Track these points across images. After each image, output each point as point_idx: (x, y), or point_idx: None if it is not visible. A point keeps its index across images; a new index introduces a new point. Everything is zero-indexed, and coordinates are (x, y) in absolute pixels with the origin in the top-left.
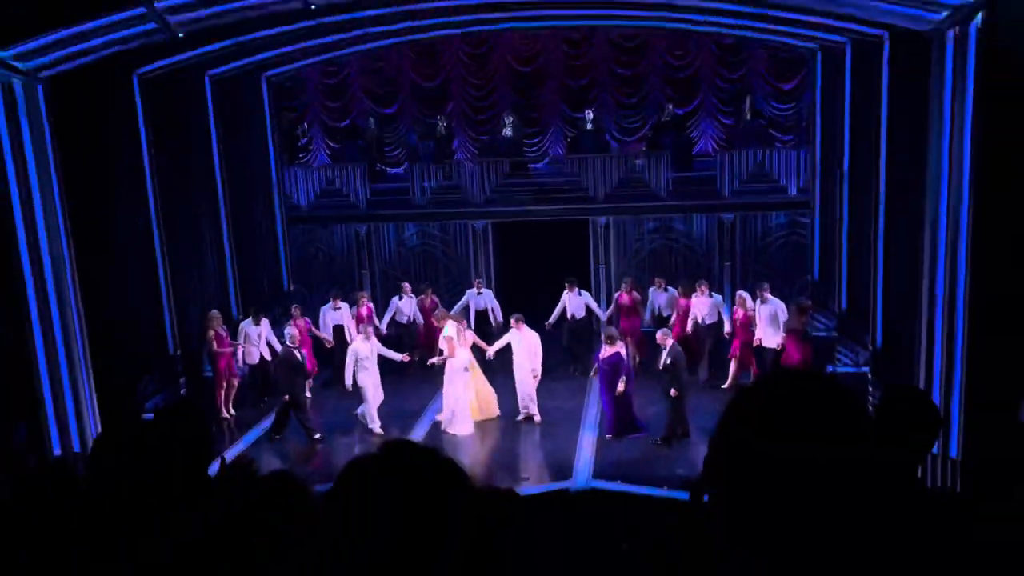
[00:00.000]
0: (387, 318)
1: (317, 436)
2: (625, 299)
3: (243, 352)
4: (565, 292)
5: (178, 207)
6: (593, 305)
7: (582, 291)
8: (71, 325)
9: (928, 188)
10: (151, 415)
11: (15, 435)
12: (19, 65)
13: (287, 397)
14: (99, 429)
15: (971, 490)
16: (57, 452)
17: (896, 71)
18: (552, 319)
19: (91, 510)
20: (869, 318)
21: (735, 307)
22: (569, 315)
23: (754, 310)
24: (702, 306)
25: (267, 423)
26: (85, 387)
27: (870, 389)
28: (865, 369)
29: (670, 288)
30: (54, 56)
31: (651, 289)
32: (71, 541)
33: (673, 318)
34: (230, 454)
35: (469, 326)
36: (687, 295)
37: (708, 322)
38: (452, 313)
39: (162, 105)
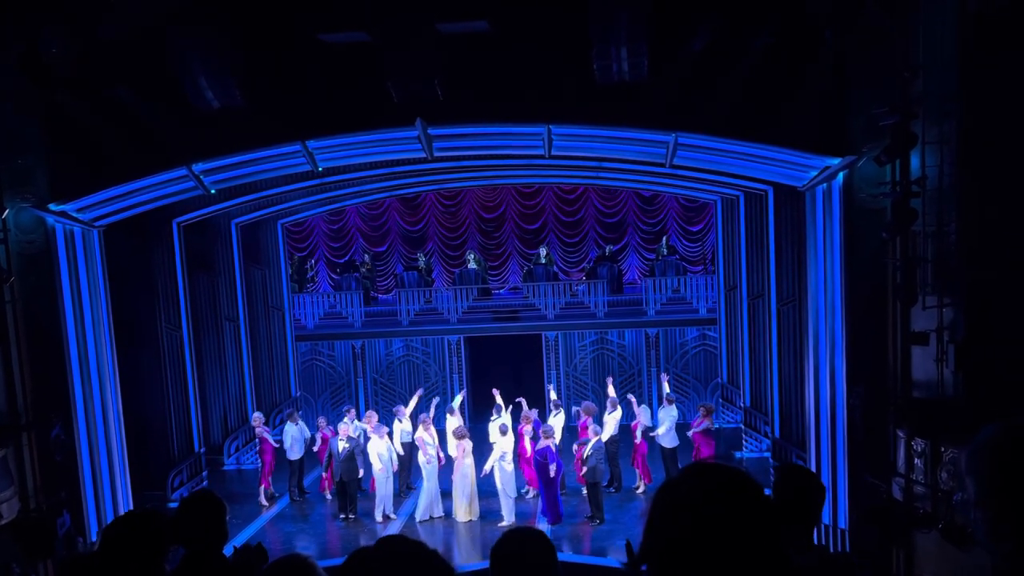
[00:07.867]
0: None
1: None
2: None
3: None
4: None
5: (206, 326)
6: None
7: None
8: (112, 427)
9: (808, 305)
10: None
11: (60, 525)
12: (80, 216)
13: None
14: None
15: (859, 553)
16: (95, 539)
17: (778, 215)
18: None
19: None
20: (768, 412)
21: (635, 422)
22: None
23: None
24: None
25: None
26: (121, 480)
27: (771, 470)
28: (767, 454)
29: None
30: (109, 209)
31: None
32: None
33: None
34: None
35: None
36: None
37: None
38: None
39: (197, 245)
